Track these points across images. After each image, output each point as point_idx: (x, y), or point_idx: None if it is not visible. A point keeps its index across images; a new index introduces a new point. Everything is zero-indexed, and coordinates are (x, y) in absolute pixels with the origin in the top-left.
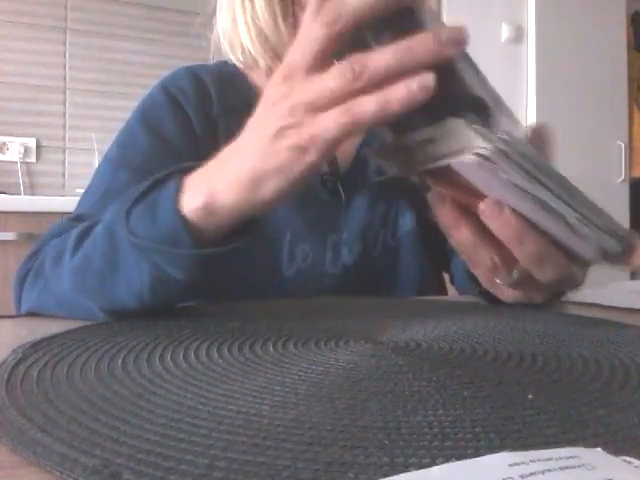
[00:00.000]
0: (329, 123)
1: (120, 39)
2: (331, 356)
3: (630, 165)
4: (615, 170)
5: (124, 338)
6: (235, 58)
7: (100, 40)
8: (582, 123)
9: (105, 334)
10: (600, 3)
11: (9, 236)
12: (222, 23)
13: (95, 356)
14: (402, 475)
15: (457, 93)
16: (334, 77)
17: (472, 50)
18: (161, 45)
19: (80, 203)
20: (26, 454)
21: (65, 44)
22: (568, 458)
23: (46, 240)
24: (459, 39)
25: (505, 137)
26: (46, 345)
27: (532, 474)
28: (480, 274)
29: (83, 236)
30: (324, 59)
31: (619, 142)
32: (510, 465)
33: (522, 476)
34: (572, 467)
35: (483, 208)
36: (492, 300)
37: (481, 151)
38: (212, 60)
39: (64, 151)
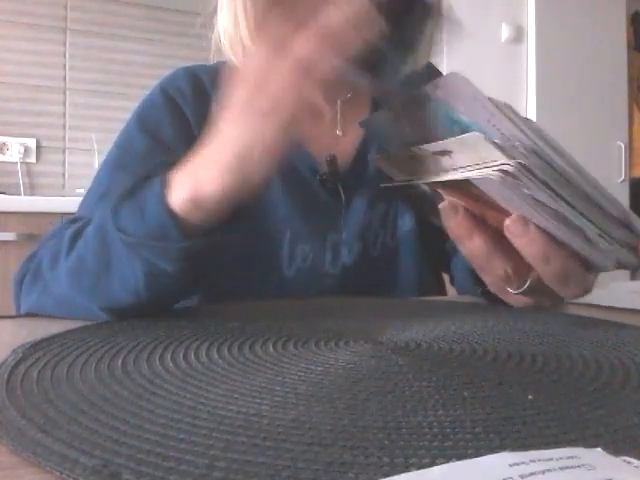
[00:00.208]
0: (282, 83)
1: (120, 39)
2: (331, 356)
3: (630, 165)
4: (615, 170)
5: (124, 338)
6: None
7: (100, 40)
8: (582, 123)
9: (105, 334)
10: (600, 3)
11: (9, 236)
12: (223, 23)
13: (95, 356)
14: (402, 475)
15: None
16: (302, 41)
17: (472, 50)
18: (161, 45)
19: (81, 205)
20: (26, 454)
21: (65, 44)
22: (568, 458)
23: (44, 242)
24: None
25: (525, 150)
26: (46, 345)
27: (532, 474)
28: (490, 281)
29: (76, 237)
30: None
31: (619, 142)
32: (510, 465)
33: (522, 476)
34: (572, 467)
35: (508, 224)
36: (494, 300)
37: (505, 167)
38: (212, 60)
39: (64, 151)
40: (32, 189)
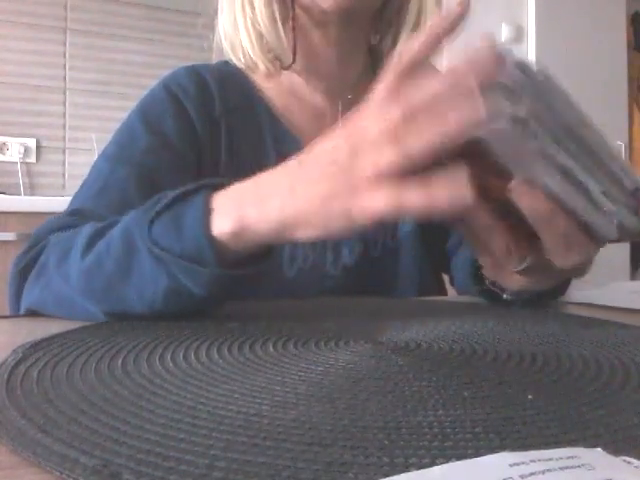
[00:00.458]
0: (379, 203)
1: (120, 39)
2: (331, 356)
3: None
4: None
5: (124, 338)
6: (236, 59)
7: (100, 40)
8: None
9: (105, 334)
10: (600, 3)
11: (9, 236)
12: (223, 25)
13: (95, 356)
14: (402, 475)
15: None
16: (396, 154)
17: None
18: (161, 45)
19: (76, 197)
20: (26, 454)
21: (65, 44)
22: (568, 458)
23: (43, 234)
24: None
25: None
26: (46, 345)
27: (532, 474)
28: (488, 261)
29: (96, 237)
30: (397, 138)
31: (619, 142)
32: (510, 465)
33: (522, 476)
34: (572, 467)
35: (513, 185)
36: (492, 299)
37: (514, 111)
38: (213, 60)
39: (64, 151)
40: (32, 189)
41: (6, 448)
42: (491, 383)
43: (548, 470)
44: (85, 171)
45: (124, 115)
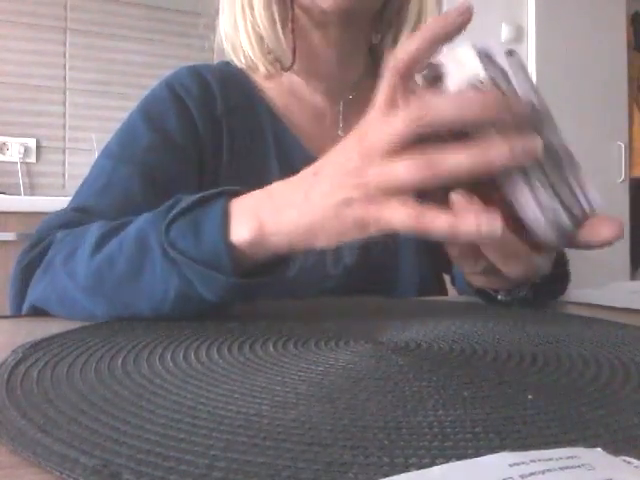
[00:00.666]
0: (394, 214)
1: (120, 39)
2: (331, 356)
3: (630, 165)
4: (615, 170)
5: (124, 338)
6: (237, 60)
7: (100, 40)
8: (582, 123)
9: (105, 334)
10: (600, 3)
11: (9, 236)
12: (224, 26)
13: (95, 356)
14: (402, 475)
15: None
16: (406, 167)
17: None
18: (161, 45)
19: (78, 194)
20: (26, 454)
21: (65, 44)
22: (568, 458)
23: (46, 231)
24: (533, 151)
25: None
26: (46, 345)
27: (532, 474)
28: (460, 266)
29: (107, 236)
30: (403, 148)
31: (619, 142)
32: (510, 465)
33: (522, 476)
34: (572, 467)
35: (453, 199)
36: (488, 300)
37: (480, 77)
38: (214, 61)
39: (64, 151)
40: (32, 189)
41: (6, 448)
42: (491, 383)
43: (548, 470)
44: (85, 171)
45: (124, 115)
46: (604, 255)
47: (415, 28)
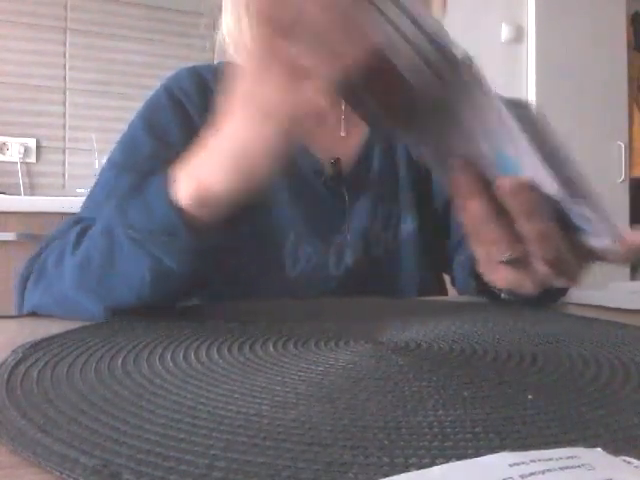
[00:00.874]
0: (278, 85)
1: (120, 39)
2: (331, 356)
3: (630, 165)
4: (615, 170)
5: (124, 338)
6: (240, 60)
7: (100, 40)
8: (582, 123)
9: (105, 334)
10: (600, 3)
11: (9, 236)
12: (227, 25)
13: (95, 356)
14: (402, 475)
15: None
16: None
17: (472, 50)
18: (161, 45)
19: (84, 206)
20: (26, 454)
21: (65, 44)
22: (568, 458)
23: (48, 242)
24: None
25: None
26: (46, 345)
27: (532, 474)
28: (480, 253)
29: (82, 235)
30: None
31: (619, 142)
32: (510, 465)
33: (522, 476)
34: (572, 467)
35: (500, 182)
36: (492, 298)
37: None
38: (215, 60)
39: (64, 151)
40: (32, 189)
41: (6, 448)
42: (491, 383)
43: (548, 470)
44: (85, 171)
45: (124, 115)
46: None
47: None
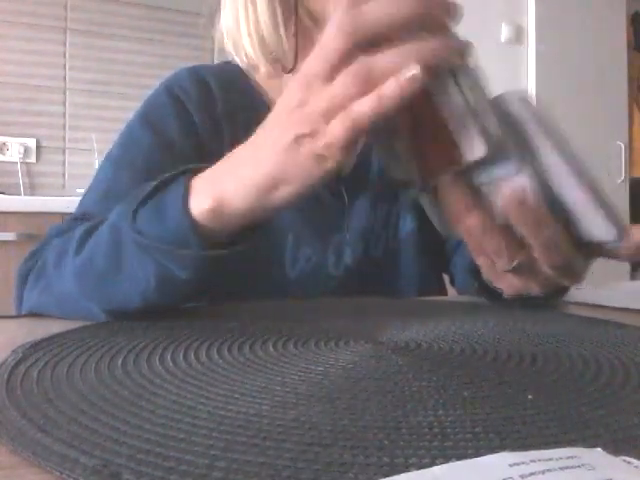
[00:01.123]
0: (337, 130)
1: (120, 39)
2: (331, 356)
3: (630, 165)
4: (615, 170)
5: (124, 338)
6: (239, 59)
7: (100, 40)
8: (582, 123)
9: (105, 334)
10: (600, 3)
11: (9, 236)
12: (225, 22)
13: (95, 356)
14: (402, 475)
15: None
16: (340, 83)
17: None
18: (161, 45)
19: (81, 202)
20: (26, 454)
21: (65, 44)
22: (568, 458)
23: (47, 240)
24: (466, 51)
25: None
26: (46, 345)
27: (532, 474)
28: (483, 262)
29: (87, 235)
30: (341, 69)
31: (619, 142)
32: (510, 465)
33: (522, 476)
34: (572, 467)
35: (504, 196)
36: (489, 296)
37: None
38: (215, 60)
39: (64, 151)
40: (32, 189)
41: (6, 448)
42: (491, 383)
43: (548, 470)
44: (85, 171)
45: (124, 115)
46: None
47: None
